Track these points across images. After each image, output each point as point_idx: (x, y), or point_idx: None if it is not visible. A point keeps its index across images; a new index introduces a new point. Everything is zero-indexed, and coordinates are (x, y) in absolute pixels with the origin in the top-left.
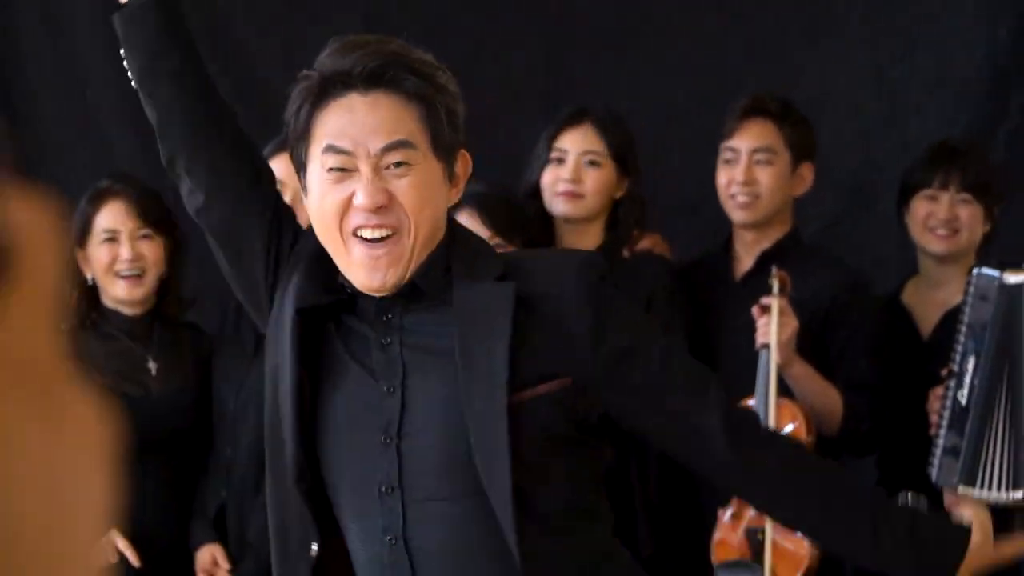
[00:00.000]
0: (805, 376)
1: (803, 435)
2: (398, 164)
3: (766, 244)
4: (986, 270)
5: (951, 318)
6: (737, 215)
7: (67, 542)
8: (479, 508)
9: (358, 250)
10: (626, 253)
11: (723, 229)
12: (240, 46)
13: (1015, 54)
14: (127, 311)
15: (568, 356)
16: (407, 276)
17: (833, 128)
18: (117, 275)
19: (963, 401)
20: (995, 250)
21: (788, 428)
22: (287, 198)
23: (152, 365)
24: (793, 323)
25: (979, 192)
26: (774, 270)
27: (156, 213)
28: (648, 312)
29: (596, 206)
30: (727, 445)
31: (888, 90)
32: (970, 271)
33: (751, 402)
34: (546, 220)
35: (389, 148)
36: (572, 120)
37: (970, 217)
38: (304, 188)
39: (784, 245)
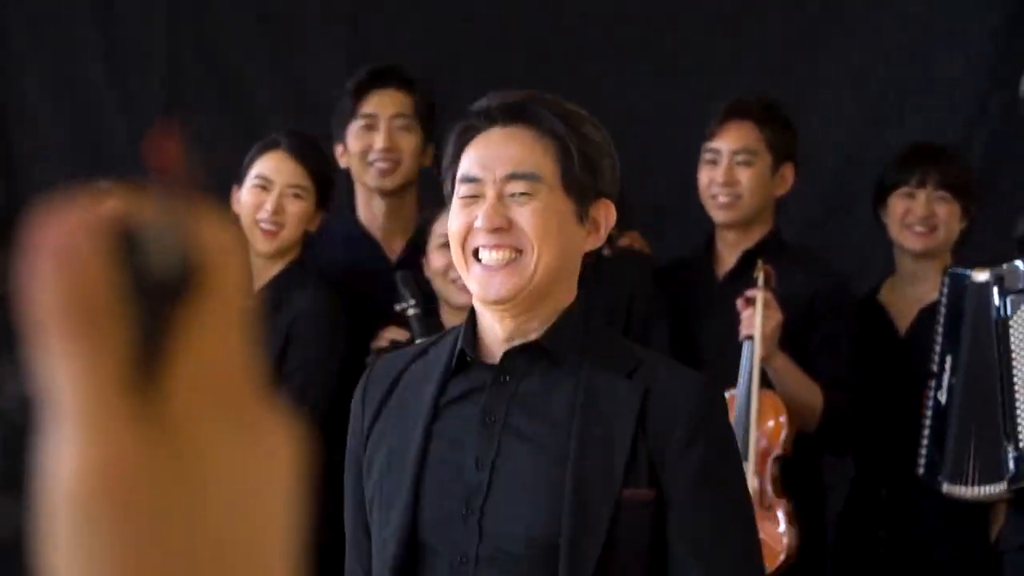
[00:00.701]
0: (787, 370)
1: (784, 428)
2: (522, 194)
3: (748, 244)
4: (958, 270)
5: (927, 315)
6: (718, 215)
7: (256, 566)
8: None
9: (477, 266)
10: (607, 251)
11: (706, 230)
12: (226, 55)
13: (996, 56)
14: None
15: (662, 467)
16: (527, 294)
17: (815, 130)
18: None
19: (943, 400)
20: (973, 248)
21: (770, 423)
22: (273, 195)
23: None
24: (777, 316)
25: (956, 190)
26: (759, 263)
27: None
28: (630, 310)
29: None
30: None
31: (870, 92)
32: (944, 272)
33: (733, 392)
34: None
35: (513, 176)
36: None
37: (947, 214)
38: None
39: (766, 244)
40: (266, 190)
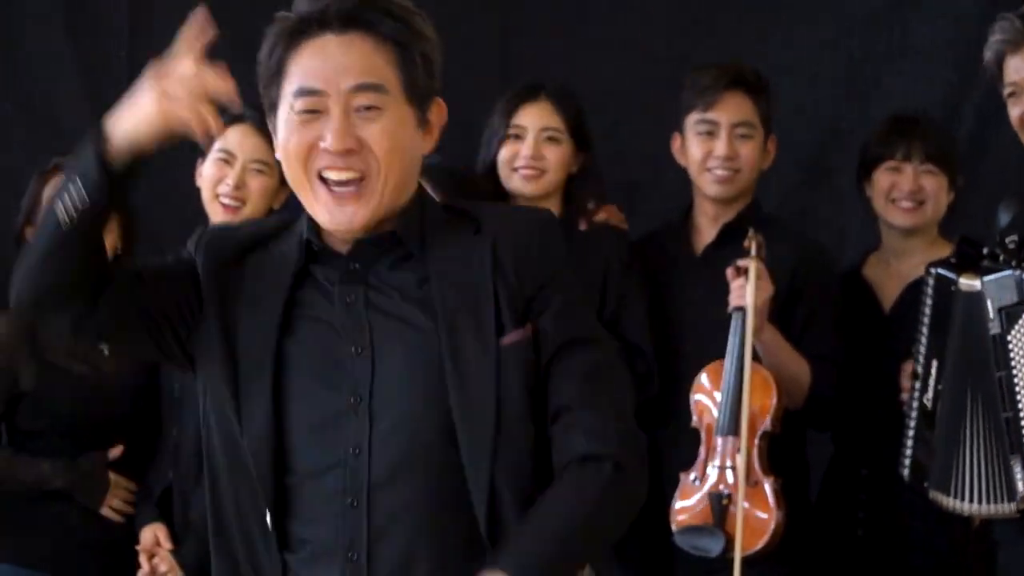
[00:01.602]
0: (776, 343)
1: (774, 404)
2: (368, 108)
3: (728, 217)
4: (943, 271)
5: (913, 291)
6: (714, 189)
7: None
8: (446, 473)
9: (323, 191)
10: (583, 226)
11: (673, 203)
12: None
13: (981, 24)
14: None
15: (525, 305)
16: (377, 217)
17: (793, 100)
18: None
19: (928, 405)
20: (961, 222)
21: (760, 398)
22: (236, 169)
23: (104, 345)
24: (769, 287)
25: (942, 162)
26: (751, 233)
27: None
28: (605, 284)
29: (555, 182)
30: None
31: (848, 59)
32: (927, 270)
33: (724, 364)
34: (501, 195)
35: (360, 88)
36: (529, 95)
37: (934, 188)
38: (273, 129)
39: (745, 217)
40: (229, 164)
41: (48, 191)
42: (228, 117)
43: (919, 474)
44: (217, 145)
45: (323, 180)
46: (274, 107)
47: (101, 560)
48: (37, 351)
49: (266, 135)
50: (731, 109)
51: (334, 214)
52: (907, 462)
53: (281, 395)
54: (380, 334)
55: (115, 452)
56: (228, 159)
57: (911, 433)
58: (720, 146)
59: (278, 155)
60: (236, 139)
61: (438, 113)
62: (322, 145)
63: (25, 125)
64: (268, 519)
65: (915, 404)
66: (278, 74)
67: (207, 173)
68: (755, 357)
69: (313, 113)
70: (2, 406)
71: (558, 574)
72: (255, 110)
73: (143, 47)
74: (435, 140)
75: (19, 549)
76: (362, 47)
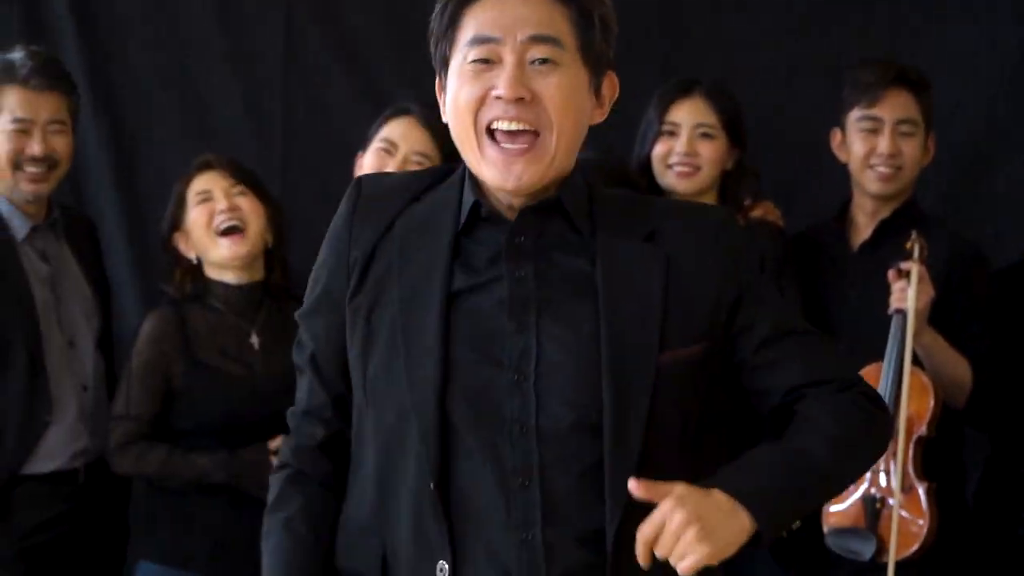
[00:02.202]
0: (936, 346)
1: (931, 408)
2: (544, 61)
3: (885, 214)
4: None
5: None
6: (876, 186)
7: None
8: (594, 469)
9: (491, 148)
10: (740, 222)
11: (829, 199)
12: (346, 20)
13: None
14: (232, 279)
15: (707, 321)
16: (544, 181)
17: (949, 96)
18: (217, 233)
19: None
20: None
21: (918, 402)
22: (396, 160)
23: (255, 340)
24: (930, 291)
25: None
26: (914, 235)
27: (249, 177)
28: None
29: (710, 179)
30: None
31: (1006, 57)
32: None
33: (876, 365)
34: (655, 192)
35: (537, 39)
36: (683, 91)
37: None
38: (443, 87)
39: (903, 214)
40: (390, 154)
41: (190, 193)
42: (393, 110)
43: None
44: (380, 135)
45: (492, 135)
46: (445, 63)
47: (252, 557)
48: (189, 349)
49: (430, 129)
50: (895, 106)
51: (501, 172)
52: None
53: (447, 364)
54: (546, 315)
55: (275, 443)
56: (390, 149)
57: None
58: (883, 143)
59: (446, 114)
60: (400, 130)
61: (610, 86)
62: (494, 94)
63: (184, 119)
64: (434, 493)
65: None
66: (452, 27)
67: (368, 163)
68: (914, 359)
69: (486, 63)
70: (158, 405)
71: (789, 514)
72: (420, 105)
73: (298, 46)
74: (604, 114)
75: (167, 548)
76: (541, 2)
